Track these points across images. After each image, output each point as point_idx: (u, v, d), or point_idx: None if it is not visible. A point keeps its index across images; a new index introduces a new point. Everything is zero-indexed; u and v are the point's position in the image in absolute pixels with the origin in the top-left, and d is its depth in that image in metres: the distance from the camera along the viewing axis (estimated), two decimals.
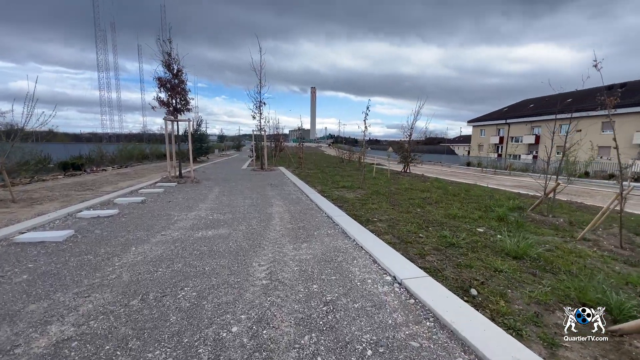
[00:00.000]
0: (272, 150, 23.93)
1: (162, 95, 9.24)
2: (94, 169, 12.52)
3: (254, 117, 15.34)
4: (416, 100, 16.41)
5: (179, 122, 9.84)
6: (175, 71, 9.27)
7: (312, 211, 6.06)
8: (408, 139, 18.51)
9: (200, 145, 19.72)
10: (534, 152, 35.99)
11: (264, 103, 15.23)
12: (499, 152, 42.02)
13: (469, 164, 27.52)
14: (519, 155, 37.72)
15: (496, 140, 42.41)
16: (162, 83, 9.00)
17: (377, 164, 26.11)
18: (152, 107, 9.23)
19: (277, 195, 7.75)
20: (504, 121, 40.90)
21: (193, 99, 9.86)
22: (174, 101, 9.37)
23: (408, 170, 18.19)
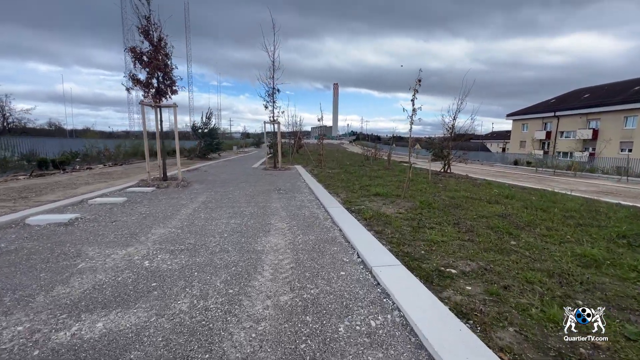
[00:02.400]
0: (290, 147, 21.64)
1: (140, 72, 7.05)
2: (77, 167, 10.76)
3: (266, 107, 13.03)
4: (444, 96, 13.47)
5: (163, 109, 7.58)
6: (155, 40, 7.05)
7: (334, 248, 3.52)
8: (450, 135, 15.48)
9: (211, 141, 17.78)
10: (591, 149, 31.13)
11: (278, 90, 12.87)
12: (545, 149, 37.20)
13: (516, 163, 23.70)
14: (570, 153, 32.96)
15: (542, 135, 37.54)
16: (137, 55, 6.81)
17: (410, 163, 23.03)
18: (127, 89, 7.08)
19: (282, 210, 5.29)
20: (552, 114, 36.00)
21: (181, 78, 7.63)
22: (154, 80, 7.17)
23: (449, 170, 15.18)
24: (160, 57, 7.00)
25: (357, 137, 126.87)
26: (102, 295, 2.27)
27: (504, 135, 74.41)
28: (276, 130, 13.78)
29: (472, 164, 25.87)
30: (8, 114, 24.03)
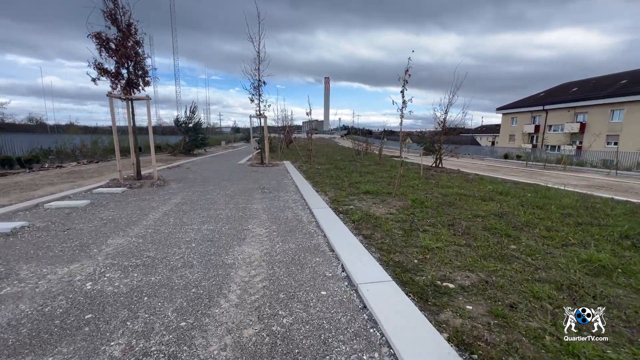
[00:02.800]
0: (280, 142, 21.07)
1: (106, 61, 6.40)
2: (45, 166, 10.02)
3: (252, 101, 12.43)
4: (435, 90, 13.17)
5: (136, 102, 6.99)
6: (124, 26, 6.40)
7: (316, 259, 3.10)
8: (441, 129, 15.22)
9: (196, 136, 17.05)
10: (578, 142, 31.51)
11: (264, 83, 12.28)
12: (534, 143, 37.56)
13: (506, 156, 23.70)
14: (559, 147, 33.35)
15: (531, 129, 37.83)
16: (102, 42, 6.16)
17: (399, 157, 22.72)
18: (93, 79, 6.43)
19: (263, 212, 4.84)
20: (540, 107, 36.23)
21: (155, 69, 7.02)
22: (124, 70, 6.54)
23: (441, 165, 14.95)
24: (129, 45, 6.37)
25: (349, 131, 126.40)
26: (14, 335, 1.79)
27: (493, 129, 75.09)
28: (263, 124, 13.21)
29: (463, 158, 25.79)
30: None
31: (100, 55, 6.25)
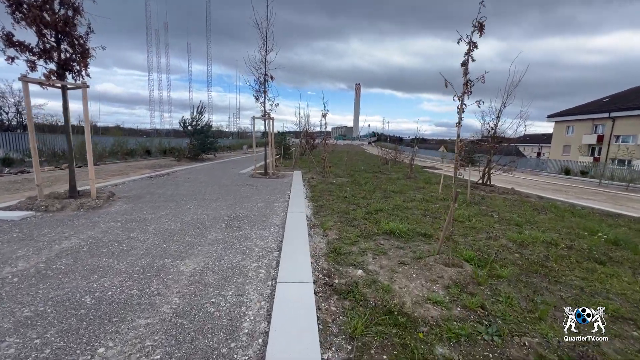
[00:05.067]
0: (297, 147, 18.96)
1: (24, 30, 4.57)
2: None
3: (256, 99, 10.42)
4: (472, 96, 10.29)
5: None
6: None
7: None
8: (491, 137, 12.35)
9: (204, 139, 15.46)
10: None
11: (272, 77, 10.22)
12: (595, 155, 32.23)
13: (567, 172, 19.62)
14: (628, 161, 28.09)
15: (591, 139, 32.49)
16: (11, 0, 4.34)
17: (432, 168, 19.52)
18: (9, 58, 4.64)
19: (187, 282, 2.59)
20: (605, 115, 30.96)
21: (104, 48, 5.16)
22: (47, 46, 4.67)
23: (489, 182, 11.94)
24: (54, 8, 4.50)
25: (378, 138, 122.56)
26: None
27: (538, 139, 68.21)
28: (267, 123, 11.14)
29: (509, 173, 21.99)
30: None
31: (15, 21, 4.42)
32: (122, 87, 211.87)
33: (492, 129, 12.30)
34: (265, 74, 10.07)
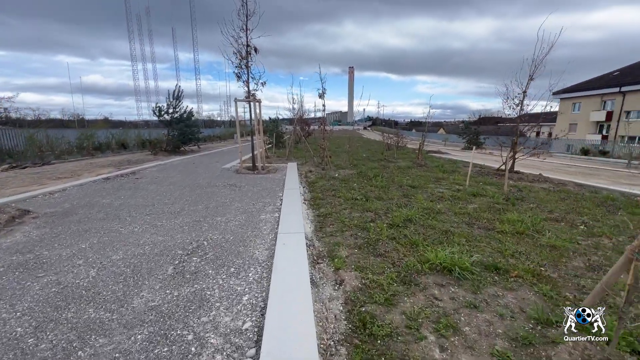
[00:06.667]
0: (290, 135, 17.13)
1: None
2: None
3: (238, 77, 8.53)
4: (467, 77, 8.54)
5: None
6: None
7: None
8: (517, 122, 10.91)
9: (184, 129, 13.53)
10: None
11: (255, 49, 8.31)
12: (604, 133, 30.82)
13: (586, 152, 18.12)
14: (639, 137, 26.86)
15: (600, 116, 30.97)
16: None
17: (437, 152, 17.80)
18: None
19: None
20: (615, 89, 29.32)
21: None
22: None
23: (513, 168, 10.49)
24: None
25: (374, 122, 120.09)
26: None
27: (537, 117, 66.91)
28: (252, 107, 9.32)
29: (541, 157, 20.48)
30: None
31: None
32: (111, 79, 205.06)
33: (517, 105, 10.77)
34: (248, 45, 8.16)
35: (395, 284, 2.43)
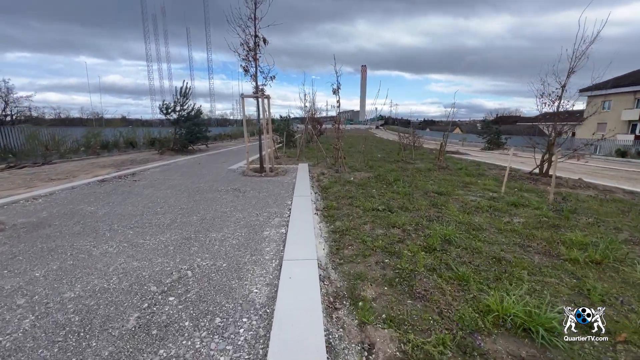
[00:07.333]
0: (302, 134, 16.41)
1: None
2: None
3: (245, 71, 7.86)
4: (482, 75, 7.46)
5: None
6: None
7: None
8: (553, 125, 9.94)
9: (192, 128, 13.03)
10: None
11: (264, 40, 7.61)
12: (637, 133, 28.77)
13: (623, 155, 16.64)
14: None
15: (633, 115, 28.90)
16: None
17: (456, 152, 16.79)
18: None
19: None
20: None
21: None
22: None
23: (548, 171, 9.52)
24: None
25: (386, 121, 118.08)
26: None
27: (572, 116, 64.25)
28: (260, 103, 8.62)
29: (582, 159, 19.05)
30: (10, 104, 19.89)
31: None
32: (129, 78, 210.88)
33: (553, 102, 9.78)
34: (256, 35, 7.47)
35: (449, 353, 1.64)
